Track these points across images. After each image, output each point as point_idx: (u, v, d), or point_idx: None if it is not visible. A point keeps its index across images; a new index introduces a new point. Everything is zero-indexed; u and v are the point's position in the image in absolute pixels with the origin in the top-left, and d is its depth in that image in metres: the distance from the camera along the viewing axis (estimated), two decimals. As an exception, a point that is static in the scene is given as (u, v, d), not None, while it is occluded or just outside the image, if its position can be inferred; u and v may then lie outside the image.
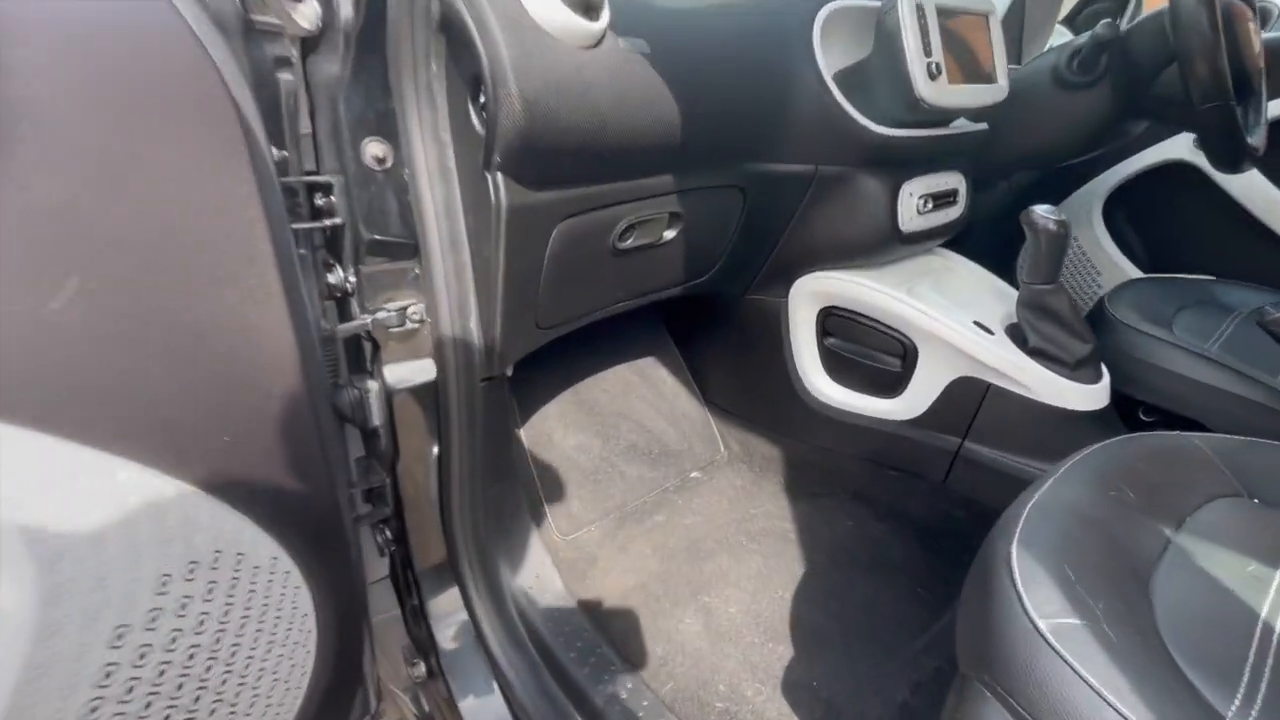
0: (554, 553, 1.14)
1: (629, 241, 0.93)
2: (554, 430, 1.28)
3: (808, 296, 1.18)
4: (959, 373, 1.09)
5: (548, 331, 0.95)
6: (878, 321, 1.13)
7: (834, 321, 1.18)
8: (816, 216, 1.08)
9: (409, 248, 0.80)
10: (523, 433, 1.25)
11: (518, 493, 0.98)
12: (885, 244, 1.10)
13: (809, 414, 1.27)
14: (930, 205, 1.10)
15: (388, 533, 0.92)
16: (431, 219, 0.76)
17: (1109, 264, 1.62)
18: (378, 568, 0.97)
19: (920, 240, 1.14)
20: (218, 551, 0.53)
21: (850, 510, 1.21)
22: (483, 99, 0.67)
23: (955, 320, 1.06)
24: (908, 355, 1.12)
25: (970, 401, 1.10)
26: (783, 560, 1.12)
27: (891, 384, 1.17)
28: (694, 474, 1.38)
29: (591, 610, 1.00)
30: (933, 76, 0.94)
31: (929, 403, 1.13)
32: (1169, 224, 1.58)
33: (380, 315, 0.80)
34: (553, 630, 0.92)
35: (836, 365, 1.22)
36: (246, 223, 0.54)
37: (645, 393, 1.42)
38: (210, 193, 0.52)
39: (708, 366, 1.47)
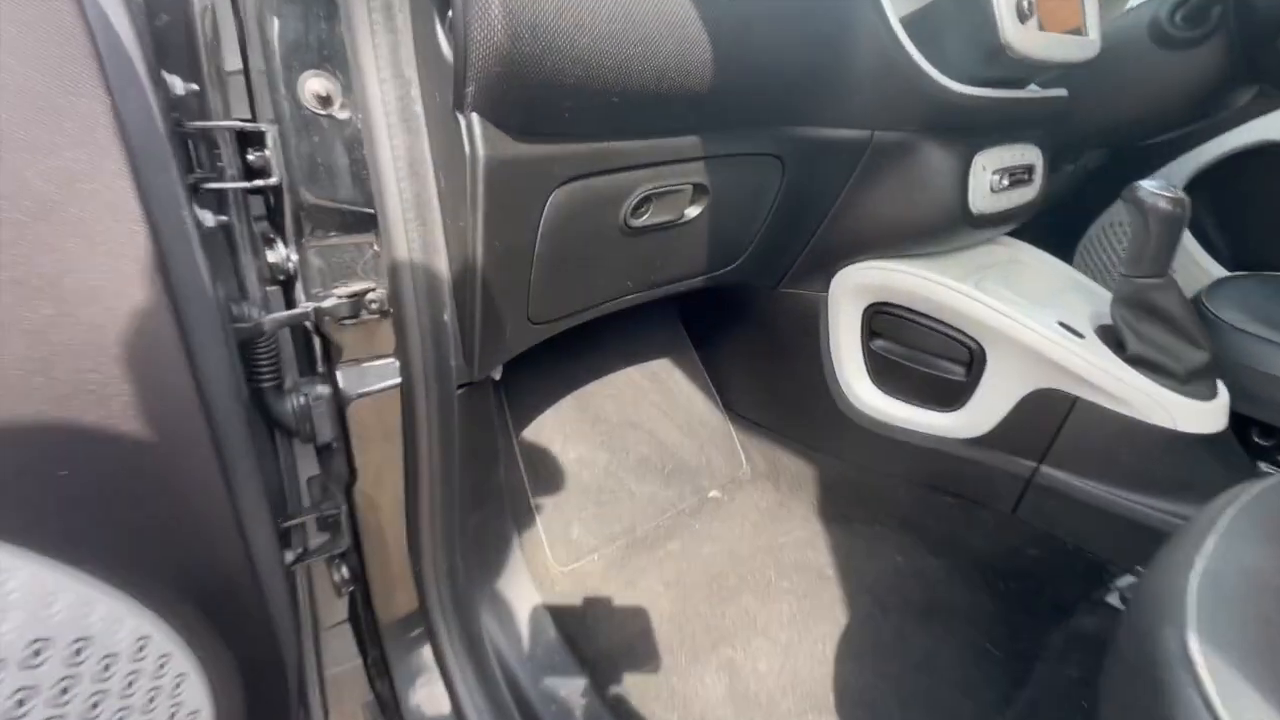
0: (548, 589, 0.97)
1: (644, 218, 0.76)
2: (552, 441, 1.11)
3: (853, 290, 1.00)
4: (1038, 383, 0.91)
5: (543, 328, 0.78)
6: (938, 321, 0.95)
7: (883, 320, 1.00)
8: (869, 193, 0.90)
9: (364, 217, 0.63)
10: (515, 444, 1.08)
11: (504, 520, 0.81)
12: (951, 228, 0.92)
13: (848, 427, 1.09)
14: (1006, 182, 0.92)
15: (344, 570, 0.75)
16: (391, 179, 0.59)
17: (1187, 260, 1.43)
18: (336, 609, 0.81)
19: (992, 225, 0.96)
20: (39, 640, 0.36)
21: (897, 541, 1.03)
22: (451, 12, 0.50)
23: (1036, 320, 0.87)
24: (974, 362, 0.94)
25: (1050, 418, 0.91)
26: (819, 602, 0.94)
27: (951, 395, 0.99)
28: (713, 493, 1.21)
29: (592, 667, 0.82)
30: (1023, 18, 0.75)
31: (998, 418, 0.95)
32: (1259, 215, 1.38)
33: (328, 303, 0.63)
34: (544, 695, 0.75)
35: (884, 371, 1.04)
36: (99, 175, 0.38)
37: (658, 399, 1.25)
38: (37, 133, 0.36)
39: (729, 370, 1.29)
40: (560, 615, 0.90)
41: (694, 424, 1.26)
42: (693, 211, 0.82)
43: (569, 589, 0.98)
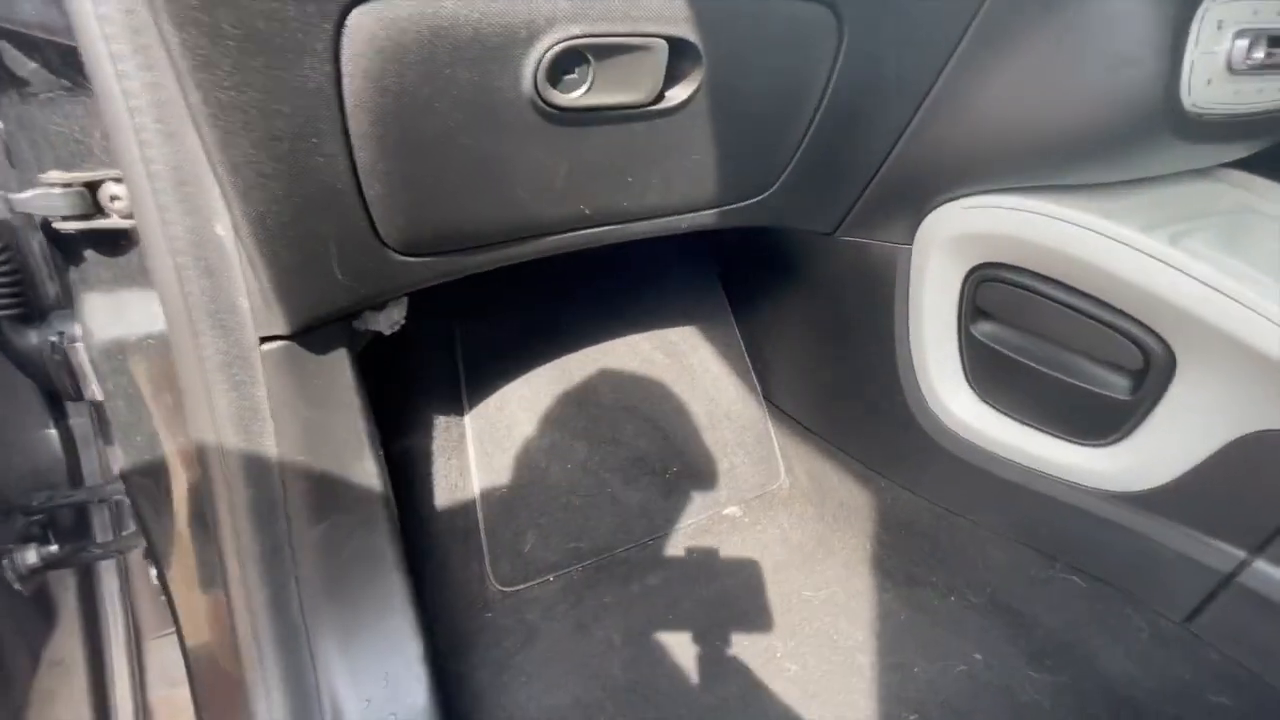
0: (472, 616, 0.73)
1: (579, 92, 0.46)
2: (516, 422, 0.86)
3: (952, 242, 0.64)
4: (1267, 421, 0.51)
5: (423, 262, 0.51)
6: (1094, 300, 0.57)
7: (997, 292, 0.63)
8: (991, 70, 0.54)
9: (63, 53, 0.39)
10: (468, 420, 0.85)
11: (375, 534, 0.58)
12: (1140, 138, 0.53)
13: (929, 450, 0.74)
14: (1262, 54, 0.51)
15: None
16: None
17: None
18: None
19: (1223, 137, 0.56)
20: None
21: (981, 630, 0.69)
22: None
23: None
24: (1151, 370, 0.56)
25: (1289, 483, 0.52)
26: (836, 707, 0.63)
27: (1105, 421, 0.61)
28: (730, 510, 0.91)
29: None
30: None
31: (1185, 468, 0.57)
32: None
33: (28, 195, 0.40)
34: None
35: (992, 372, 0.67)
36: None
37: (672, 379, 0.95)
38: None
39: (775, 349, 0.97)
40: (464, 664, 0.67)
41: (718, 416, 0.96)
42: (679, 93, 0.51)
43: (499, 620, 0.74)
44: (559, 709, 0.64)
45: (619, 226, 0.62)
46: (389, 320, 0.60)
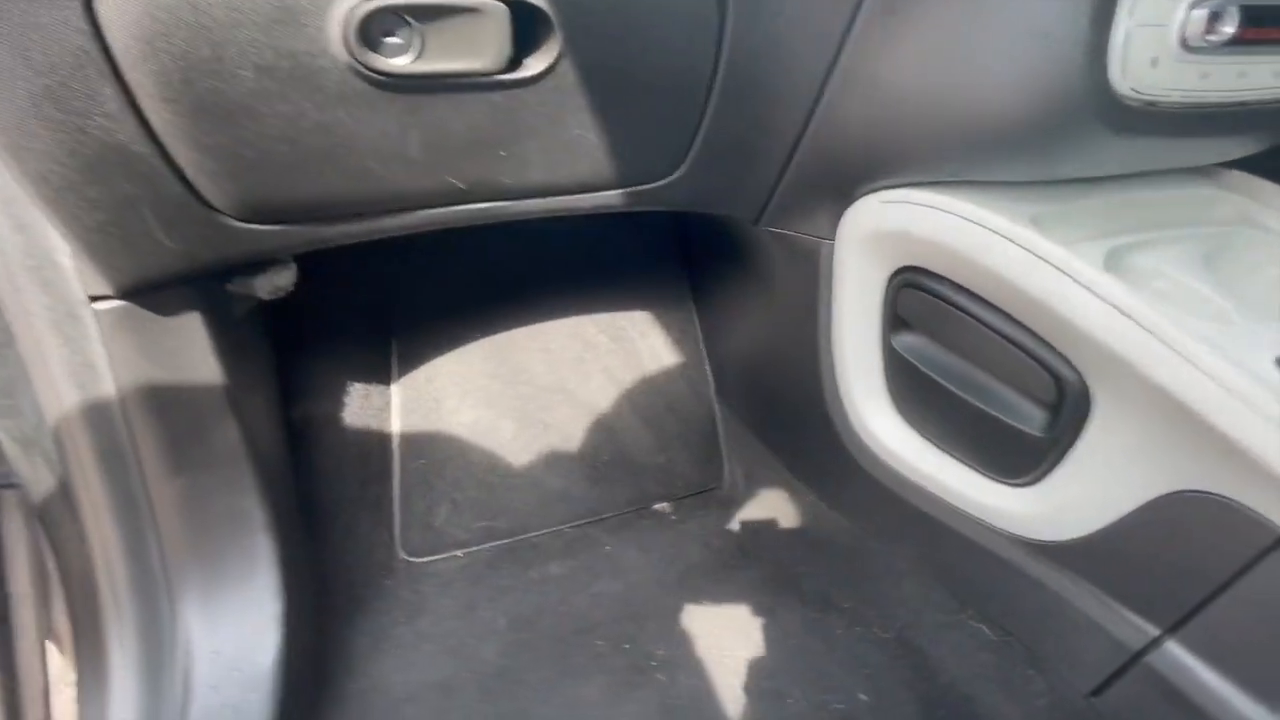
0: (370, 584, 0.75)
1: (404, 58, 0.44)
2: (444, 395, 0.86)
3: (870, 240, 0.57)
4: (1200, 481, 0.43)
5: (268, 230, 0.51)
6: (1008, 316, 0.49)
7: (916, 301, 0.56)
8: (895, 45, 0.46)
9: None
10: (395, 390, 0.85)
11: (242, 494, 0.59)
12: (1066, 126, 0.44)
13: (849, 468, 0.68)
14: (1234, 30, 0.41)
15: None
16: None
17: None
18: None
19: (1187, 131, 0.46)
20: None
21: (884, 669, 0.63)
22: None
23: (1237, 353, 0.39)
24: (1065, 404, 0.48)
25: (1215, 554, 0.43)
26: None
27: (1022, 458, 0.53)
28: (661, 506, 0.87)
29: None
30: None
31: (1101, 523, 0.49)
32: None
33: None
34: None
35: (913, 390, 0.60)
36: None
37: (616, 364, 0.92)
38: None
39: (728, 343, 0.91)
40: (348, 628, 0.68)
41: (661, 408, 0.92)
42: (536, 63, 0.47)
43: (396, 589, 0.74)
44: (421, 685, 0.64)
45: (507, 204, 0.59)
46: (270, 286, 0.60)
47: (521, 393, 0.87)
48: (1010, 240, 0.46)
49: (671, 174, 0.60)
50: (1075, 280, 0.44)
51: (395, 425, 0.83)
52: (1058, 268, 0.44)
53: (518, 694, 0.63)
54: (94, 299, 0.47)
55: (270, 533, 0.61)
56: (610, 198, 0.61)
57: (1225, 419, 0.40)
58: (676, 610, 0.72)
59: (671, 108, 0.54)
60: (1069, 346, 0.46)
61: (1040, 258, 0.45)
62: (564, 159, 0.55)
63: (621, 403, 0.90)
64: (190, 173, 0.44)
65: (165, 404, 0.53)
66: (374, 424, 0.81)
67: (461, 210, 0.57)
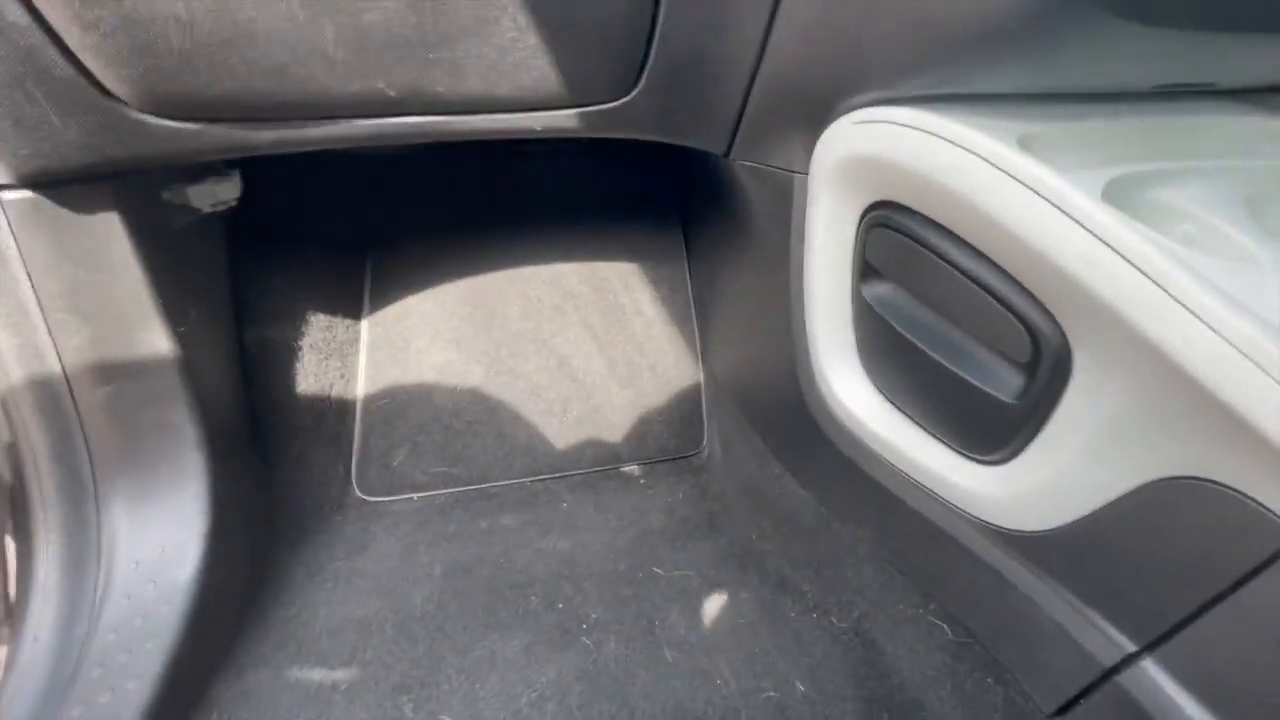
0: (322, 515, 0.73)
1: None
2: (415, 334, 0.83)
3: (840, 170, 0.49)
4: (1189, 465, 0.34)
5: (183, 128, 0.48)
6: (983, 258, 0.41)
7: (886, 243, 0.48)
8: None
9: None
10: (364, 325, 0.83)
11: (171, 408, 0.58)
12: (1072, 10, 0.35)
13: (815, 438, 0.61)
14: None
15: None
16: None
17: None
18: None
19: (1207, 21, 0.36)
20: None
21: (831, 660, 0.56)
22: None
23: (1263, 304, 0.31)
24: (1042, 363, 0.39)
25: (1213, 557, 0.35)
26: (609, 700, 0.55)
27: (994, 430, 0.45)
28: (630, 468, 0.83)
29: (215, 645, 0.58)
30: None
31: (1078, 512, 0.40)
32: None
33: None
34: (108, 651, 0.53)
35: (882, 348, 0.52)
36: None
37: (596, 319, 0.87)
38: None
39: (716, 301, 0.84)
40: (291, 556, 0.67)
41: (642, 367, 0.86)
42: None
43: (344, 525, 0.73)
44: (345, 620, 0.62)
45: (446, 118, 0.54)
46: (209, 197, 0.59)
47: (494, 339, 0.84)
48: (988, 162, 0.38)
49: (626, 93, 0.54)
50: (1060, 209, 0.35)
51: (361, 361, 0.81)
52: (1040, 194, 0.36)
53: (437, 641, 0.60)
54: (5, 187, 0.46)
55: (202, 450, 0.60)
56: (562, 119, 0.56)
57: (1238, 391, 0.31)
58: (622, 575, 0.67)
59: (612, 15, 0.48)
60: (1048, 293, 0.38)
61: (1020, 182, 0.37)
62: (503, 68, 0.50)
63: (598, 358, 0.85)
64: (80, 54, 0.42)
65: (85, 305, 0.52)
66: (337, 357, 0.80)
67: (397, 124, 0.54)
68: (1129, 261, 0.33)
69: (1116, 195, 0.37)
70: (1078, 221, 0.34)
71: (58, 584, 0.56)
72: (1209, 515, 0.34)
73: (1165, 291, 0.32)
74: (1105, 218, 0.33)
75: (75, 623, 0.55)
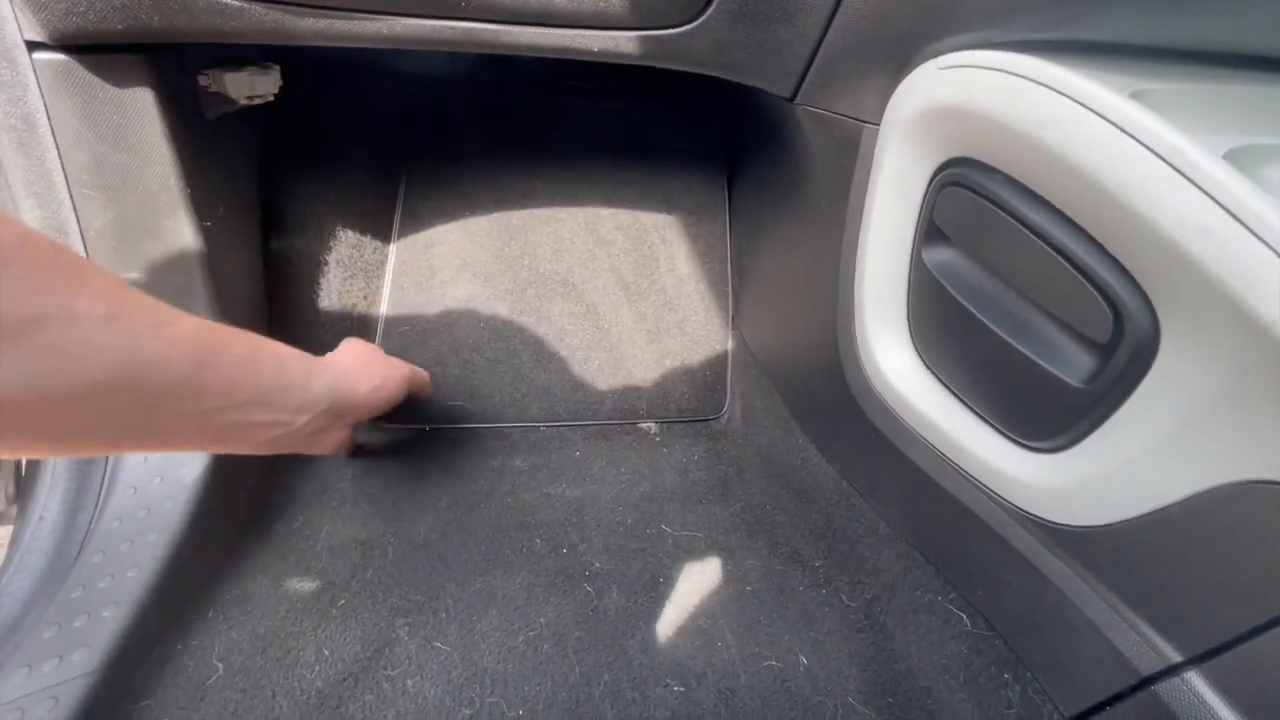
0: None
1: None
2: (441, 265, 0.81)
3: (917, 122, 0.45)
4: (1274, 469, 0.31)
5: (230, 5, 0.45)
6: (1069, 222, 0.38)
7: (958, 204, 0.44)
8: None
9: None
10: (392, 249, 0.81)
11: (192, 295, 0.56)
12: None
13: (847, 409, 0.58)
14: None
15: None
16: None
17: None
18: None
19: None
20: None
21: (837, 638, 0.54)
22: None
23: None
24: (1123, 344, 0.36)
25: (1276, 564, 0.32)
26: (608, 648, 0.53)
27: (1053, 415, 0.42)
28: (646, 425, 0.80)
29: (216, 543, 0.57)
30: None
31: (1139, 509, 0.37)
32: None
33: None
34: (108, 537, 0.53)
35: (937, 319, 0.49)
36: None
37: (628, 270, 0.84)
38: None
39: (759, 255, 0.81)
40: (297, 474, 0.66)
41: (669, 324, 0.83)
42: None
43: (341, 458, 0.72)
44: (347, 540, 0.61)
45: (505, 27, 0.51)
46: (245, 87, 0.56)
47: (522, 277, 0.81)
48: (1097, 113, 0.34)
49: (694, 19, 0.50)
50: (1178, 170, 0.31)
51: (385, 284, 0.79)
52: (1157, 152, 0.32)
53: (437, 570, 0.59)
54: (32, 46, 0.44)
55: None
56: (621, 40, 0.52)
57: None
58: (629, 529, 0.65)
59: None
60: (1144, 266, 0.34)
61: (1133, 137, 0.33)
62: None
63: (626, 309, 0.83)
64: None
65: (113, 185, 0.50)
66: (362, 277, 0.78)
67: (448, 27, 0.50)
68: (1254, 234, 0.29)
69: (1241, 165, 0.33)
70: (1197, 184, 0.31)
71: (66, 467, 0.55)
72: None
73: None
74: (1232, 182, 0.30)
75: (81, 508, 0.55)
